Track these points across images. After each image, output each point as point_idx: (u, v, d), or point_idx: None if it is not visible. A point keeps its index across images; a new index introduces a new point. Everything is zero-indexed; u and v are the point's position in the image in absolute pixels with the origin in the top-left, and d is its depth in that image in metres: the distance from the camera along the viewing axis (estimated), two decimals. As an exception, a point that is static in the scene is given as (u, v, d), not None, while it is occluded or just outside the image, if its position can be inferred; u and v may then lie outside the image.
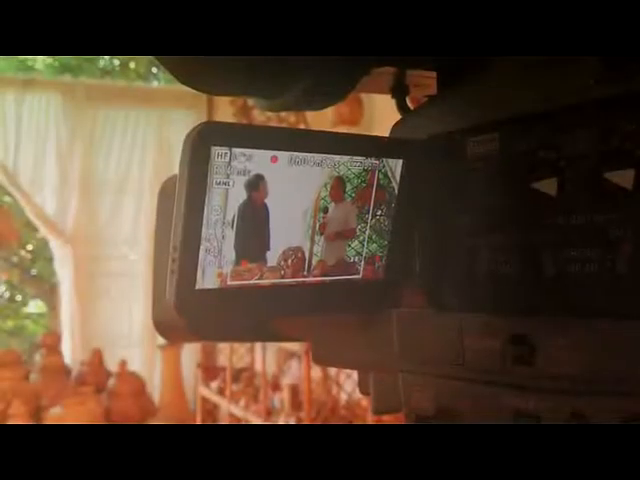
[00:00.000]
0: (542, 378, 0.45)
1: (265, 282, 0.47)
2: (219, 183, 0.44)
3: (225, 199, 0.44)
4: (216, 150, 0.43)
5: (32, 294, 6.24)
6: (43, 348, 3.07)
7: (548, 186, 0.47)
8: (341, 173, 0.49)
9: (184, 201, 0.43)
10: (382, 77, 0.58)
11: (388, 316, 0.54)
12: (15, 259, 5.88)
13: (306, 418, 3.12)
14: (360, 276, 0.53)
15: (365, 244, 0.52)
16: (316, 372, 3.27)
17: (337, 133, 0.50)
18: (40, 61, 5.56)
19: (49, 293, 6.05)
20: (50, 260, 5.41)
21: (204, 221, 0.44)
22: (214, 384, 3.92)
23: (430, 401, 0.51)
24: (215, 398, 3.89)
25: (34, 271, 5.95)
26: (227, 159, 0.43)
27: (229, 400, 3.69)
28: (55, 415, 2.65)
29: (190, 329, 0.62)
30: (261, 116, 3.77)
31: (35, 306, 6.39)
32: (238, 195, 0.45)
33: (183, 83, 0.50)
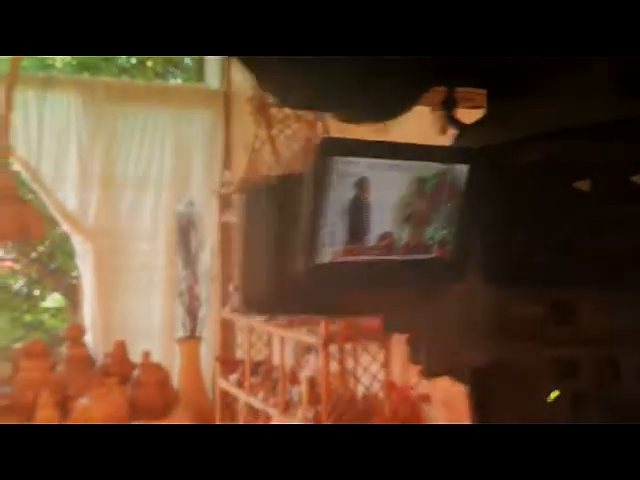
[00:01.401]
0: (579, 334, 0.56)
1: (365, 258, 0.64)
2: (336, 184, 0.61)
3: (340, 195, 0.62)
4: (335, 159, 0.61)
5: (51, 288, 6.34)
6: (68, 340, 3.14)
7: (584, 186, 0.58)
8: (422, 175, 0.66)
9: (312, 197, 0.60)
10: (434, 93, 0.71)
11: (453, 289, 0.68)
12: (34, 254, 5.98)
13: (324, 411, 3.19)
14: (433, 256, 0.69)
15: (438, 230, 0.68)
16: (334, 366, 3.33)
17: (418, 144, 0.66)
18: (59, 60, 5.64)
19: (68, 287, 6.14)
20: (69, 255, 5.50)
21: (324, 212, 0.61)
22: (233, 377, 3.99)
23: (485, 355, 0.64)
24: (234, 391, 3.96)
25: (53, 266, 6.05)
26: (342, 165, 0.61)
27: (248, 393, 3.77)
28: (82, 405, 2.73)
29: (296, 302, 0.74)
30: (279, 114, 3.83)
31: (53, 300, 6.49)
32: (349, 192, 0.63)
33: (265, 90, 0.62)
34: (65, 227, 4.08)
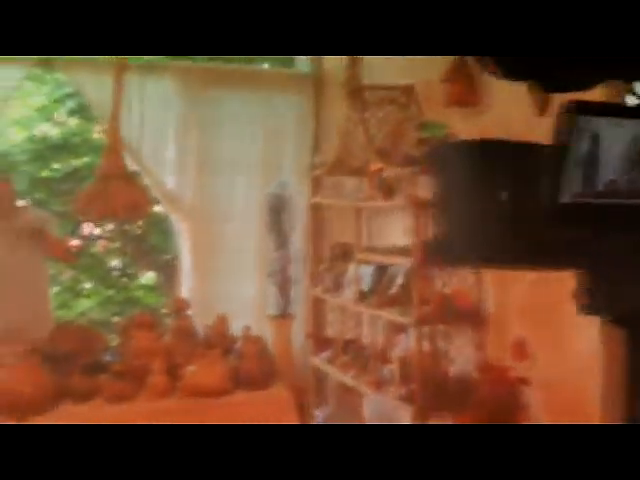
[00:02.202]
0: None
1: (598, 202, 0.81)
2: (576, 137, 0.78)
3: (578, 147, 0.78)
4: (578, 117, 0.78)
5: (145, 266, 6.61)
6: (173, 312, 3.31)
7: None
8: None
9: (559, 150, 0.77)
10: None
11: None
12: (130, 232, 6.24)
13: (417, 390, 3.25)
14: None
15: None
16: (425, 346, 3.38)
17: None
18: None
19: (163, 265, 6.40)
20: (164, 234, 5.72)
21: (567, 163, 0.79)
22: (324, 354, 4.10)
23: None
24: (325, 368, 4.07)
25: (148, 244, 6.30)
26: (583, 122, 0.78)
27: (339, 370, 3.87)
28: (190, 373, 2.88)
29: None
30: (371, 97, 3.88)
31: (147, 278, 6.77)
32: (585, 145, 0.78)
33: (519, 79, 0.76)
34: (164, 207, 4.24)
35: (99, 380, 2.86)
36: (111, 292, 6.54)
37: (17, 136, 5.77)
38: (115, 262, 6.64)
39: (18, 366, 2.61)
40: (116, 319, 6.19)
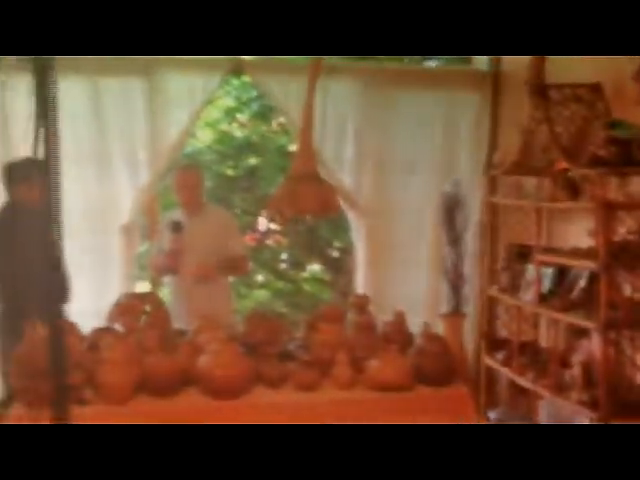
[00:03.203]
0: None
1: None
2: None
3: None
4: None
5: (314, 259, 6.88)
6: (354, 307, 3.44)
7: None
8: None
9: None
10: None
11: None
12: (301, 226, 6.51)
13: (601, 396, 3.16)
14: None
15: None
16: (610, 351, 3.27)
17: None
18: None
19: (331, 259, 6.64)
20: (334, 227, 5.93)
21: None
22: (499, 355, 4.07)
23: None
24: (500, 368, 4.04)
25: (318, 237, 6.54)
26: None
27: (515, 372, 3.83)
28: (373, 367, 2.99)
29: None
30: (556, 95, 3.79)
31: (314, 270, 7.03)
32: None
33: None
34: (342, 204, 4.39)
35: (288, 368, 3.04)
36: (281, 284, 6.86)
37: (207, 137, 6.22)
38: (285, 255, 6.96)
39: (222, 351, 2.85)
40: (285, 310, 6.52)
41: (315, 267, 7.01)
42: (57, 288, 3.28)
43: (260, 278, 6.76)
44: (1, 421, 2.83)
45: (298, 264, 6.92)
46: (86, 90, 4.12)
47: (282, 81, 4.29)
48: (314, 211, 3.13)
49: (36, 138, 1.31)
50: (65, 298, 3.38)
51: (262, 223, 6.68)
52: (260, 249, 6.52)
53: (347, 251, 6.11)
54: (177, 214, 3.89)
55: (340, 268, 6.58)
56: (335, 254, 6.71)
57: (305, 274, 6.98)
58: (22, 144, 4.03)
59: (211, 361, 2.81)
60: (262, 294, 6.62)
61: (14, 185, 3.47)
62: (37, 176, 3.46)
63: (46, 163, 1.31)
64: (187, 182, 3.83)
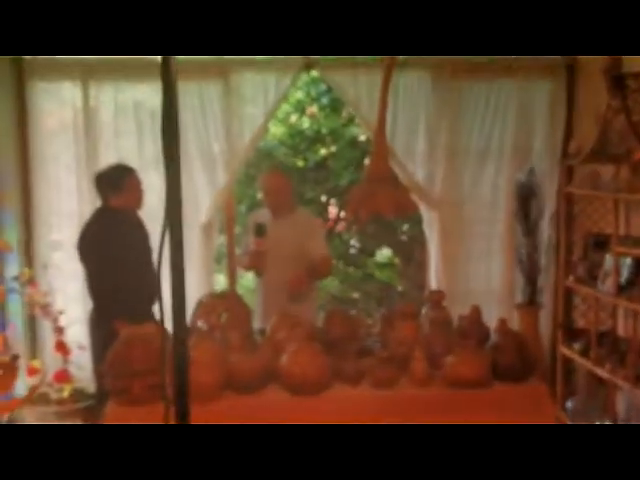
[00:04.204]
0: None
1: None
2: None
3: None
4: None
5: (382, 245, 6.92)
6: (430, 303, 3.48)
7: None
8: None
9: None
10: None
11: None
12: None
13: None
14: None
15: None
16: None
17: None
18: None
19: (399, 244, 6.66)
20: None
21: None
22: (576, 345, 4.05)
23: None
24: (578, 359, 4.02)
25: (386, 223, 6.56)
26: None
27: (593, 363, 3.80)
28: (451, 363, 3.02)
29: None
30: (634, 84, 3.71)
31: (382, 256, 7.08)
32: None
33: None
34: (414, 196, 4.41)
35: (366, 364, 3.11)
36: (350, 269, 6.93)
37: (278, 131, 6.33)
38: (354, 241, 7.03)
39: (301, 350, 2.95)
40: (356, 295, 6.58)
41: (385, 252, 7.05)
42: (149, 289, 3.48)
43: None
44: (96, 420, 3.01)
45: (366, 249, 6.97)
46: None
47: (351, 76, 4.33)
48: (390, 213, 3.17)
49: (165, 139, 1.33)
50: (155, 299, 3.55)
51: (332, 211, 6.76)
52: (330, 237, 6.60)
53: (415, 239, 6.13)
54: (264, 214, 3.98)
55: (410, 254, 6.61)
56: (404, 238, 6.73)
57: (375, 259, 7.03)
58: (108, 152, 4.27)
59: (291, 359, 2.91)
60: (331, 282, 6.69)
61: (107, 191, 3.65)
62: (127, 182, 3.67)
63: (166, 168, 1.34)
64: (273, 186, 3.90)
